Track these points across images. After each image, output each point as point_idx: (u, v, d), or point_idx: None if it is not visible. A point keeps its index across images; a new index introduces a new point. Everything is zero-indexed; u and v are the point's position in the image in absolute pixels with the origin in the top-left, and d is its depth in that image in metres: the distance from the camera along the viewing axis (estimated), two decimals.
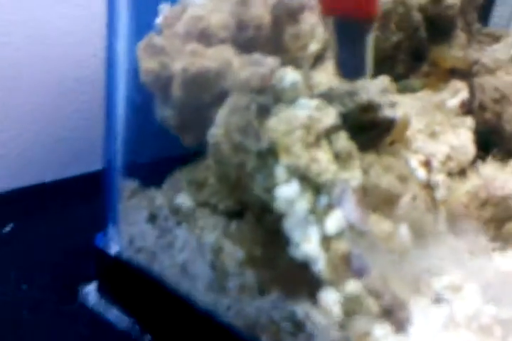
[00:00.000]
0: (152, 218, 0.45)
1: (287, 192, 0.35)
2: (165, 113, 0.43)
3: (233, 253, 0.40)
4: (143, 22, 0.43)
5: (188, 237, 0.42)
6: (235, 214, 0.44)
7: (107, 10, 0.41)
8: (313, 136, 0.41)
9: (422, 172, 0.51)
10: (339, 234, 0.34)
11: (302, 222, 0.34)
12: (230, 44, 0.40)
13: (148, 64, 0.40)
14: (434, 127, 0.54)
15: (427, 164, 0.52)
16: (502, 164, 0.53)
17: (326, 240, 0.34)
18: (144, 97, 0.43)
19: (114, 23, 0.40)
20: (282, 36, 0.41)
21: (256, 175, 0.37)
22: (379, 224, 0.37)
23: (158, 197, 0.45)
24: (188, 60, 0.38)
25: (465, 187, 0.52)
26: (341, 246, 0.34)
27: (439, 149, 0.53)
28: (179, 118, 0.42)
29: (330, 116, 0.43)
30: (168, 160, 0.49)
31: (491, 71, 0.55)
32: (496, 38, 0.72)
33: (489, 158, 0.53)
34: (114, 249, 0.49)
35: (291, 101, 0.44)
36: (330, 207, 0.36)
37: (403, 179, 0.44)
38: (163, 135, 0.46)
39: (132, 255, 0.47)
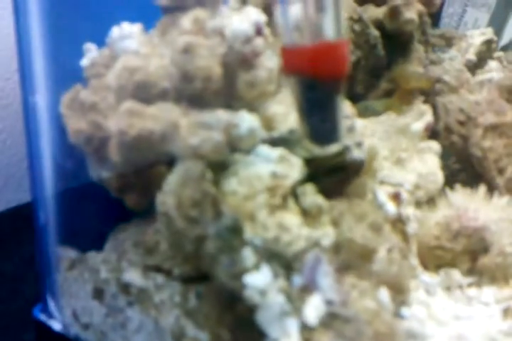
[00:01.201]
0: (98, 293, 0.39)
1: (258, 281, 0.30)
2: (102, 175, 0.36)
3: (196, 337, 0.35)
4: (65, 68, 0.36)
5: (143, 319, 0.37)
6: (194, 279, 0.39)
7: (17, 56, 0.33)
8: (279, 196, 0.36)
9: (391, 207, 0.47)
10: (321, 324, 0.30)
11: (278, 315, 0.30)
12: (174, 97, 0.34)
13: (76, 123, 0.33)
14: (400, 153, 0.51)
15: (396, 197, 0.48)
16: (471, 190, 0.50)
17: (307, 332, 0.30)
18: (74, 159, 0.36)
19: (28, 73, 0.33)
20: (236, 85, 0.35)
21: (219, 258, 0.31)
22: (361, 300, 0.33)
23: (102, 269, 0.39)
24: (125, 120, 0.32)
25: (435, 218, 0.49)
26: (324, 338, 0.30)
27: (406, 178, 0.50)
28: (119, 180, 0.36)
29: (295, 169, 0.38)
30: (109, 218, 0.42)
31: (453, 89, 0.52)
32: (448, 40, 0.69)
33: (458, 185, 0.50)
34: (56, 324, 0.43)
35: (249, 150, 0.38)
36: (306, 289, 0.31)
37: (376, 228, 0.41)
38: (101, 195, 0.39)
39: (79, 332, 0.41)
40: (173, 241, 0.36)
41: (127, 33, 0.33)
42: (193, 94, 0.34)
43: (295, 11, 0.32)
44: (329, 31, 0.30)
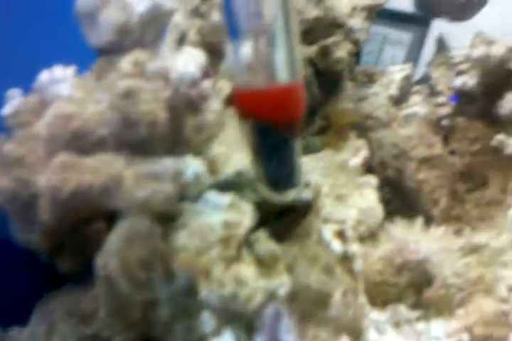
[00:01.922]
0: None
1: None
2: (30, 237, 0.31)
3: None
4: None
5: None
6: None
7: None
8: (234, 247, 0.33)
9: (337, 245, 0.47)
10: None
11: None
12: (113, 145, 0.31)
13: None
14: (340, 189, 0.51)
15: (340, 234, 0.48)
16: (409, 223, 0.51)
17: None
18: None
19: None
20: (182, 130, 0.32)
21: (174, 325, 0.28)
22: None
23: None
24: (59, 174, 0.28)
25: (378, 253, 0.50)
26: None
27: (348, 214, 0.50)
28: (50, 242, 0.31)
29: (247, 216, 0.36)
30: (36, 286, 0.37)
31: (385, 124, 0.53)
32: (370, 76, 0.72)
33: (396, 218, 0.51)
34: None
35: (197, 197, 0.36)
36: None
37: (329, 270, 0.40)
38: (26, 260, 0.34)
39: None
40: (115, 308, 0.32)
41: (59, 77, 0.30)
42: (136, 140, 0.31)
43: (246, 50, 0.31)
44: (282, 72, 0.29)
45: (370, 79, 0.71)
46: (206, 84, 0.32)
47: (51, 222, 0.30)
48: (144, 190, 0.28)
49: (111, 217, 0.32)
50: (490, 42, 0.53)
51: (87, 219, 0.32)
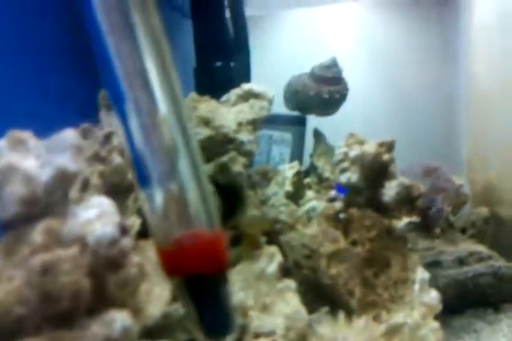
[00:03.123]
0: None
1: None
2: None
3: None
4: None
5: None
6: None
7: None
8: None
9: None
10: None
11: None
12: (34, 323, 0.29)
13: None
14: (264, 299, 0.52)
15: None
16: (333, 318, 0.54)
17: None
18: None
19: None
20: (106, 289, 0.32)
21: None
22: None
23: None
24: None
25: None
26: None
27: (276, 323, 0.50)
28: None
29: None
30: None
31: (291, 227, 0.57)
32: (265, 175, 0.77)
33: (320, 315, 0.53)
34: None
35: None
36: None
37: None
38: None
39: None
40: None
41: None
42: (58, 314, 0.30)
43: (159, 198, 0.32)
44: (200, 219, 0.31)
45: (265, 177, 0.76)
46: (126, 241, 0.33)
47: None
48: None
49: None
50: (361, 142, 0.61)
51: None
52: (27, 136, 0.35)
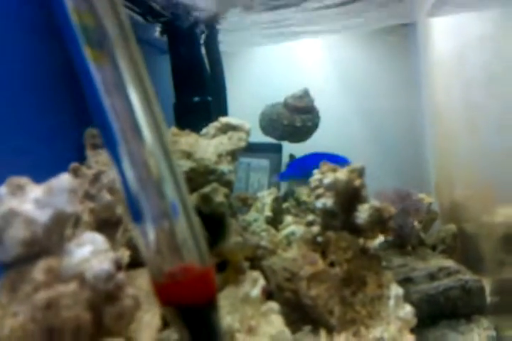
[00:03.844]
0: None
1: None
2: None
3: None
4: None
5: None
6: None
7: None
8: None
9: None
10: None
11: None
12: None
13: None
14: (249, 322, 0.55)
15: None
16: (315, 337, 0.57)
17: None
18: None
19: None
20: (104, 321, 0.35)
21: None
22: None
23: None
24: None
25: None
26: None
27: None
28: None
29: None
30: None
31: (272, 251, 0.60)
32: (244, 201, 0.81)
33: (302, 335, 0.56)
34: None
35: None
36: None
37: None
38: None
39: None
40: None
41: None
42: None
43: (152, 234, 0.35)
44: (192, 254, 0.34)
45: (245, 203, 0.80)
46: (120, 275, 0.36)
47: None
48: None
49: None
50: (334, 169, 0.65)
51: None
52: (25, 181, 0.38)
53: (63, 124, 0.64)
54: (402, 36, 1.14)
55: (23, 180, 0.38)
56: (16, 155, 0.56)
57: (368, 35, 1.21)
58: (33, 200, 0.36)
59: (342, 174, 0.64)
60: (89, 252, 0.37)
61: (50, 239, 0.36)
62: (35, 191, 0.37)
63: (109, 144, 0.34)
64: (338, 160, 0.89)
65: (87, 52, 0.33)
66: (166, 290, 0.33)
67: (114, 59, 0.32)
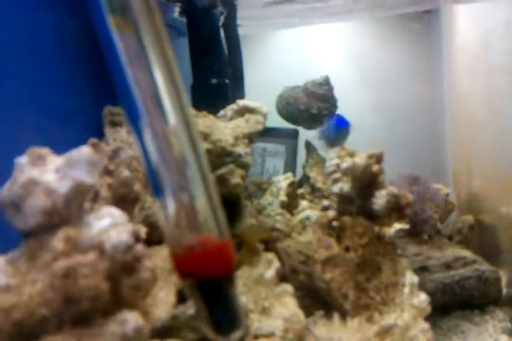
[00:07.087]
0: None
1: None
2: None
3: None
4: None
5: None
6: None
7: None
8: None
9: None
10: None
11: None
12: (56, 323, 0.32)
13: None
14: (263, 303, 0.55)
15: None
16: (328, 320, 0.57)
17: None
18: None
19: None
20: (121, 292, 0.35)
21: None
22: None
23: None
24: None
25: None
26: None
27: (275, 325, 0.53)
28: None
29: None
30: None
31: (287, 234, 0.60)
32: (259, 186, 0.81)
33: (316, 318, 0.56)
34: None
35: None
36: None
37: None
38: None
39: None
40: None
41: None
42: (78, 314, 0.32)
43: (172, 207, 0.35)
44: (209, 226, 0.34)
45: (260, 187, 0.80)
46: (139, 247, 0.36)
47: None
48: None
49: None
50: (352, 154, 0.64)
51: None
52: (46, 152, 0.38)
53: (82, 102, 0.64)
54: (425, 23, 1.11)
55: (44, 150, 0.38)
56: (36, 134, 0.57)
57: (389, 22, 1.19)
58: (53, 170, 0.36)
59: (360, 159, 0.63)
60: (108, 224, 0.37)
61: (70, 210, 0.36)
62: (56, 162, 0.37)
63: (131, 117, 0.34)
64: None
65: (111, 21, 0.33)
66: (185, 263, 0.33)
67: (138, 28, 0.32)
